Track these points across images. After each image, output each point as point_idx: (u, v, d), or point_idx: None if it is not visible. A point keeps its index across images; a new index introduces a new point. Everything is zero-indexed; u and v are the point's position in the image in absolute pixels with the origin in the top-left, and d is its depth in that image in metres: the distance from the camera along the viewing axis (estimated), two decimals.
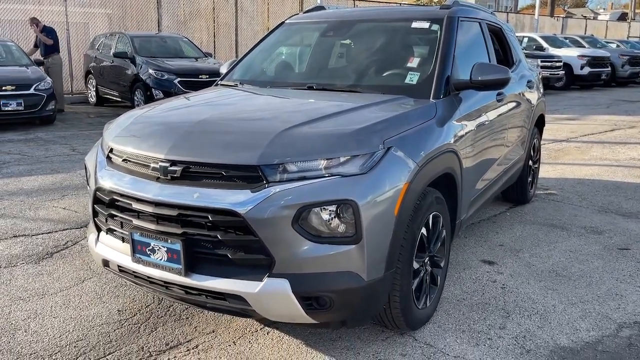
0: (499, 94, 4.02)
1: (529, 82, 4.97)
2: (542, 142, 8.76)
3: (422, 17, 3.73)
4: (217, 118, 2.87)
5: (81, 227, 4.55)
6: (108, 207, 2.78)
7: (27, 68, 10.31)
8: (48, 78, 10.18)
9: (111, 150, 2.90)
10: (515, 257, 4.03)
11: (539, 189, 5.91)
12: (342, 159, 2.46)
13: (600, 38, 25.41)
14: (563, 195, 5.73)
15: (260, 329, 3.00)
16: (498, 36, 4.86)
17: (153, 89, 10.71)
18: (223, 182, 2.45)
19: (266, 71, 4.00)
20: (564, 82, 18.84)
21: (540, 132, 5.67)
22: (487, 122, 3.76)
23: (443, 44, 3.49)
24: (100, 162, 2.93)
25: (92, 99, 13.57)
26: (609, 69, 19.71)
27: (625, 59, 20.64)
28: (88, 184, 3.02)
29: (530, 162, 5.27)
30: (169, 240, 2.50)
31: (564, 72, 18.30)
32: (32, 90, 9.65)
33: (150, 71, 10.89)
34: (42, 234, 4.42)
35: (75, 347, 2.82)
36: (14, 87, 9.46)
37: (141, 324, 3.05)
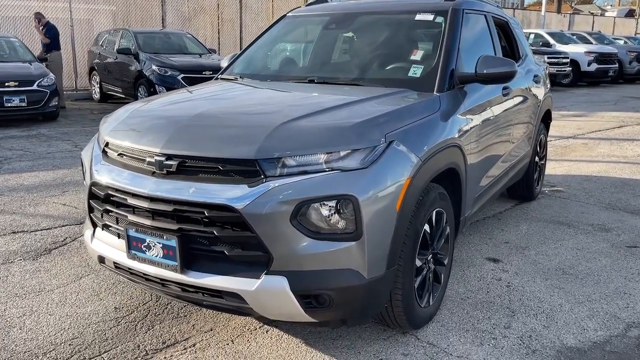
0: (504, 89, 3.94)
1: (535, 76, 4.88)
2: (548, 139, 8.70)
3: (427, 9, 3.64)
4: (214, 112, 2.80)
5: (80, 224, 4.50)
6: (103, 202, 2.72)
7: (30, 64, 10.27)
8: (51, 74, 10.14)
9: (107, 145, 2.84)
10: (521, 254, 3.95)
11: (545, 186, 5.82)
12: (342, 153, 2.38)
13: (607, 34, 25.18)
14: (570, 192, 5.64)
15: (260, 327, 2.93)
16: (504, 30, 4.77)
17: (156, 85, 10.65)
18: (220, 177, 2.39)
19: (267, 65, 3.93)
20: (571, 78, 18.68)
21: (547, 128, 5.58)
22: (492, 117, 3.68)
23: (447, 37, 3.40)
24: (96, 156, 2.87)
25: (96, 96, 13.53)
26: (617, 65, 19.51)
27: (632, 56, 20.44)
28: (84, 179, 2.97)
29: (537, 159, 5.18)
30: (165, 237, 2.43)
31: (570, 68, 18.13)
32: (35, 87, 9.62)
33: (154, 67, 10.83)
34: (41, 230, 4.37)
35: (70, 345, 2.76)
36: (17, 83, 9.43)
37: (138, 322, 2.99)
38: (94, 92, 13.72)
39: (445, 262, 3.07)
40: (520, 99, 4.36)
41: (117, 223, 2.66)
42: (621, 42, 23.13)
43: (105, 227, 2.79)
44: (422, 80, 3.22)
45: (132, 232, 2.55)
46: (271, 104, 3.04)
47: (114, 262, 2.72)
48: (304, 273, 2.33)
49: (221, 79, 3.89)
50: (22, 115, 9.66)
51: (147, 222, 2.48)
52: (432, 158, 2.70)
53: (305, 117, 2.59)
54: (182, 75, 10.71)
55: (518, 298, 3.27)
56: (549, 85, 5.42)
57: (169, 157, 2.46)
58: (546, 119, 5.38)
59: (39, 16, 11.75)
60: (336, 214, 2.32)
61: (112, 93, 12.79)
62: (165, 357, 2.66)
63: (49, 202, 5.12)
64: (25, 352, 2.70)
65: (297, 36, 4.13)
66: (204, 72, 10.84)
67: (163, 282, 2.55)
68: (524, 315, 3.07)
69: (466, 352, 2.71)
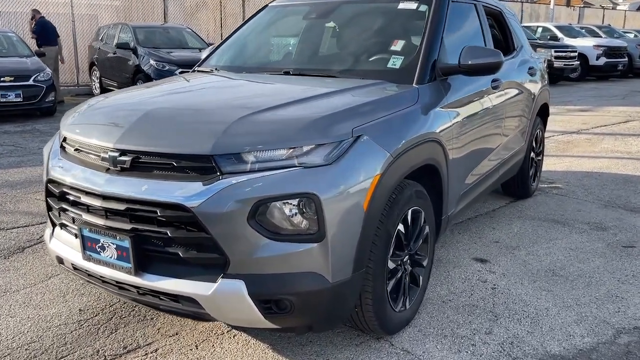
0: (494, 81, 3.76)
1: (530, 69, 4.68)
2: (551, 134, 8.48)
3: None
4: (175, 105, 2.65)
5: None
6: (59, 200, 2.58)
7: (27, 59, 10.19)
8: (48, 69, 10.06)
9: (65, 139, 2.70)
10: (511, 254, 3.78)
11: (543, 182, 5.63)
12: (305, 149, 2.23)
13: (617, 28, 24.75)
14: (568, 189, 5.44)
15: (227, 331, 2.79)
16: (497, 20, 4.59)
17: (154, 80, 10.52)
18: (175, 174, 2.24)
19: (244, 56, 3.77)
20: (579, 72, 18.35)
21: (544, 123, 5.38)
22: (480, 111, 3.51)
23: (430, 26, 3.23)
24: (54, 151, 2.74)
25: (96, 91, 13.44)
26: (626, 59, 19.13)
27: None
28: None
29: (533, 154, 5.00)
30: (118, 237, 2.30)
31: (578, 62, 17.79)
32: (31, 82, 9.54)
33: (152, 62, 10.72)
34: (18, 227, 4.26)
35: (27, 349, 2.64)
36: (12, 78, 9.35)
37: (101, 325, 2.86)
38: (94, 87, 13.64)
39: (425, 263, 2.91)
40: (512, 91, 4.18)
41: (74, 222, 2.53)
42: (631, 36, 22.71)
43: (63, 226, 2.66)
44: (402, 71, 3.06)
45: (86, 232, 2.41)
46: (237, 96, 2.87)
47: (72, 264, 2.59)
48: (263, 277, 2.19)
49: (198, 71, 3.74)
50: (18, 110, 9.58)
51: (101, 222, 2.35)
52: (406, 154, 2.54)
53: (269, 110, 2.44)
54: (180, 70, 10.56)
55: (503, 301, 3.11)
56: (546, 78, 5.22)
57: (123, 152, 2.32)
58: (543, 113, 5.17)
59: (34, 12, 11.78)
60: (298, 214, 2.17)
61: (111, 88, 12.68)
62: None
63: (30, 198, 5.01)
64: None
65: (276, 27, 3.97)
66: None
67: (119, 284, 2.41)
68: (507, 320, 2.90)
69: None
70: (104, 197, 2.31)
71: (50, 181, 2.61)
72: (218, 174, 2.17)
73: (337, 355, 2.59)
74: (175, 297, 2.28)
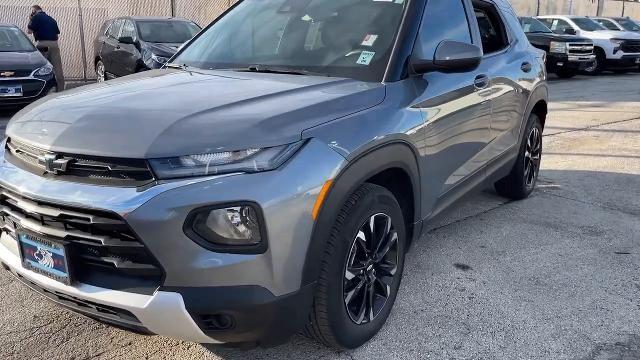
0: (479, 77, 3.56)
1: (524, 64, 4.46)
2: (557, 131, 8.21)
3: None
4: (118, 105, 2.49)
5: None
6: (1, 203, 2.46)
7: (28, 53, 10.16)
8: (48, 63, 10.02)
9: (9, 140, 2.58)
10: (495, 260, 3.58)
11: (541, 182, 5.40)
12: (249, 152, 2.08)
13: (636, 21, 24.12)
14: (567, 190, 5.21)
15: (181, 342, 2.65)
16: (490, 13, 4.38)
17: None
18: (110, 179, 2.10)
19: (213, 52, 3.60)
20: (595, 66, 17.90)
21: (542, 121, 5.15)
22: (461, 109, 3.32)
23: (405, 20, 3.04)
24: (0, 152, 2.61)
25: None
26: None
27: None
28: None
29: (528, 154, 4.78)
30: (53, 245, 2.17)
31: (594, 56, 17.33)
32: (31, 76, 9.51)
33: (154, 56, 10.63)
34: None
35: None
36: (12, 73, 9.32)
37: (53, 334, 2.74)
38: (99, 81, 13.60)
39: (393, 272, 2.74)
40: (501, 88, 3.96)
41: (15, 228, 2.41)
42: None
43: (7, 231, 2.53)
44: (371, 68, 2.88)
45: (24, 239, 2.29)
46: (188, 96, 2.71)
47: (17, 271, 2.46)
48: (202, 290, 2.04)
49: (168, 67, 3.60)
50: (18, 105, 9.51)
51: (37, 228, 2.22)
52: (365, 157, 2.36)
53: (214, 110, 2.28)
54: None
55: (478, 312, 2.93)
56: (544, 74, 4.99)
57: (60, 155, 2.19)
58: (539, 111, 4.94)
59: (34, 8, 11.80)
60: (240, 223, 2.02)
61: None
62: None
63: None
64: None
65: (250, 20, 3.80)
66: None
67: (59, 294, 2.28)
68: (479, 333, 2.73)
69: None
70: (39, 203, 2.19)
71: None
72: (153, 179, 2.03)
73: None
74: (114, 310, 2.15)
